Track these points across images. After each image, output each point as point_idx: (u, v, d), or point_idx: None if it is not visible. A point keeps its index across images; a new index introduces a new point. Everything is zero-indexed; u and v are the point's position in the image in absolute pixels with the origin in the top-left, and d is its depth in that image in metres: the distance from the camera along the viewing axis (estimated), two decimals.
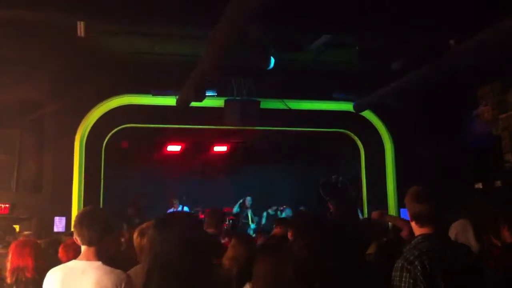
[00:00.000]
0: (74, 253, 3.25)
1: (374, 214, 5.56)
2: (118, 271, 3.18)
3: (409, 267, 2.89)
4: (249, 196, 14.44)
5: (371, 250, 4.54)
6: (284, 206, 14.64)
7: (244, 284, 3.51)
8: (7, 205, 10.00)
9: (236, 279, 4.22)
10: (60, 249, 4.97)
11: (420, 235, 3.09)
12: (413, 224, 3.16)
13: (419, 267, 2.87)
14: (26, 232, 7.96)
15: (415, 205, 3.15)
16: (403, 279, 2.88)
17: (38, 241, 6.70)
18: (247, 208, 14.22)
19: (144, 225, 3.97)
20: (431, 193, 3.18)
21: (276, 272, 2.57)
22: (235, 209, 14.05)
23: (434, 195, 3.16)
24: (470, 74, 9.93)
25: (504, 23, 6.53)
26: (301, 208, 14.50)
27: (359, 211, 10.11)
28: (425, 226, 3.09)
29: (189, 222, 2.35)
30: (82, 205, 10.15)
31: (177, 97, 10.39)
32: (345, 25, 7.74)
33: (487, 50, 7.39)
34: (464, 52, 7.71)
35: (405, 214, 3.35)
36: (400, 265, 2.93)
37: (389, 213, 11.57)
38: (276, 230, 7.23)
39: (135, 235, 3.91)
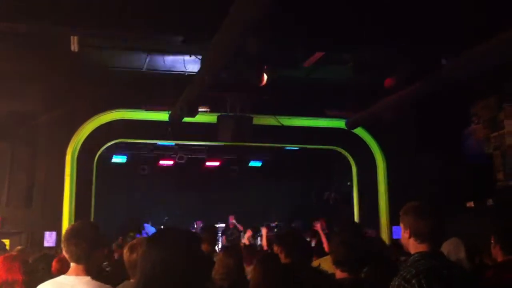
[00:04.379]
0: (68, 268, 3.23)
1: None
2: (107, 286, 3.16)
3: (406, 285, 2.84)
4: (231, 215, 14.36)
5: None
6: (276, 223, 14.61)
7: None
8: None
9: None
10: (54, 263, 4.93)
11: (417, 252, 3.05)
12: (411, 240, 3.10)
13: (416, 286, 2.83)
14: (18, 247, 7.88)
15: (416, 222, 3.08)
16: None
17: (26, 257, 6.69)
18: (234, 226, 14.12)
19: (134, 241, 3.94)
20: (433, 210, 3.14)
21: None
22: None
23: (436, 212, 3.13)
24: (464, 91, 9.99)
25: (497, 39, 6.57)
26: (293, 224, 14.46)
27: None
28: (424, 244, 3.05)
29: (182, 239, 2.30)
30: (73, 219, 10.09)
31: (170, 112, 10.38)
32: (339, 42, 7.78)
33: (481, 65, 7.44)
34: (456, 68, 7.75)
35: (398, 231, 3.32)
36: (397, 283, 2.89)
37: (381, 231, 11.60)
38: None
39: (125, 250, 3.87)
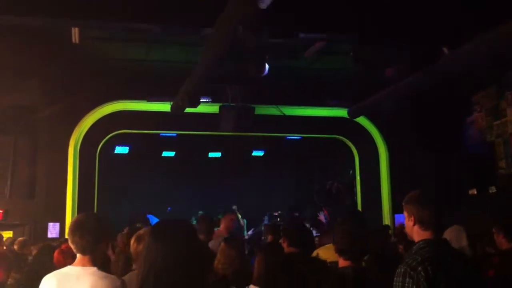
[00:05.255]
0: (72, 260, 3.27)
1: None
2: (113, 276, 3.19)
3: (412, 272, 2.85)
4: (234, 205, 14.31)
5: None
6: (279, 212, 14.61)
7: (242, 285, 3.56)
8: (0, 211, 9.97)
9: (232, 280, 4.25)
10: (57, 254, 4.96)
11: (421, 240, 3.07)
12: (415, 228, 3.12)
13: (422, 273, 2.84)
14: (20, 239, 7.95)
15: (420, 210, 3.11)
16: (406, 285, 2.85)
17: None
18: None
19: (141, 231, 3.97)
20: (438, 197, 3.17)
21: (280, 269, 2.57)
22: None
23: (440, 200, 3.16)
24: (465, 80, 9.98)
25: (498, 30, 6.57)
26: (296, 214, 14.47)
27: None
28: (428, 231, 3.07)
29: (185, 231, 2.34)
30: (76, 211, 10.14)
31: (171, 103, 10.39)
32: (340, 32, 7.76)
33: (481, 56, 7.43)
34: (458, 58, 7.75)
35: (400, 219, 3.35)
36: (402, 270, 2.90)
37: (383, 219, 11.63)
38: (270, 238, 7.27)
39: (132, 240, 3.91)
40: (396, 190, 11.56)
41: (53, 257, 5.04)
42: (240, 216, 13.97)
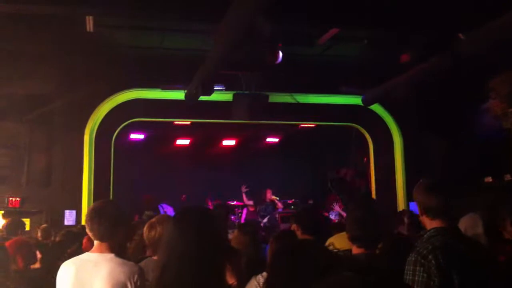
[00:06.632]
0: None
1: None
2: (131, 263, 3.24)
3: (423, 261, 2.86)
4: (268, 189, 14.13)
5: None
6: (293, 200, 14.59)
7: (256, 273, 3.58)
8: (17, 199, 10.08)
9: (245, 266, 4.28)
10: (86, 241, 5.04)
11: (432, 228, 3.06)
12: (424, 217, 3.13)
13: (433, 261, 2.83)
14: (43, 226, 8.05)
15: (427, 198, 3.11)
16: (417, 273, 2.85)
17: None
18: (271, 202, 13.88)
19: (153, 219, 4.02)
20: (443, 185, 3.15)
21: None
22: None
23: (446, 188, 3.14)
24: (479, 67, 9.88)
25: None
26: (310, 202, 14.47)
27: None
28: (437, 219, 3.06)
29: (206, 216, 2.37)
30: (92, 198, 10.22)
31: (185, 91, 10.41)
32: (353, 20, 7.71)
33: (495, 41, 7.35)
34: (472, 44, 7.67)
35: (414, 207, 3.34)
36: (413, 259, 2.90)
37: (398, 207, 11.61)
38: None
39: (145, 228, 3.96)
40: (410, 178, 11.52)
41: (82, 243, 5.14)
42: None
